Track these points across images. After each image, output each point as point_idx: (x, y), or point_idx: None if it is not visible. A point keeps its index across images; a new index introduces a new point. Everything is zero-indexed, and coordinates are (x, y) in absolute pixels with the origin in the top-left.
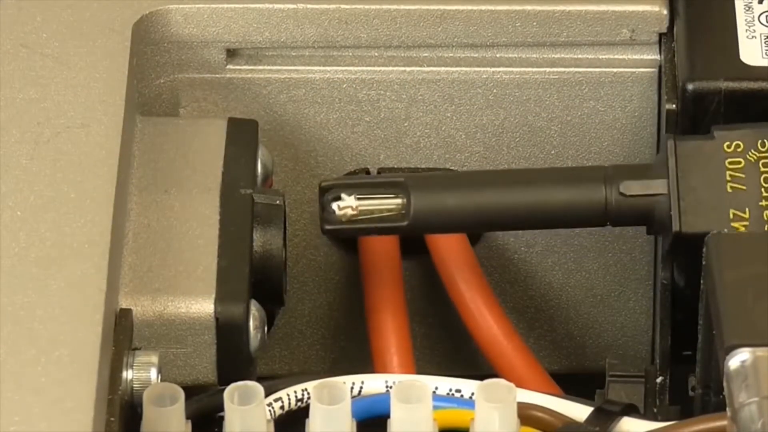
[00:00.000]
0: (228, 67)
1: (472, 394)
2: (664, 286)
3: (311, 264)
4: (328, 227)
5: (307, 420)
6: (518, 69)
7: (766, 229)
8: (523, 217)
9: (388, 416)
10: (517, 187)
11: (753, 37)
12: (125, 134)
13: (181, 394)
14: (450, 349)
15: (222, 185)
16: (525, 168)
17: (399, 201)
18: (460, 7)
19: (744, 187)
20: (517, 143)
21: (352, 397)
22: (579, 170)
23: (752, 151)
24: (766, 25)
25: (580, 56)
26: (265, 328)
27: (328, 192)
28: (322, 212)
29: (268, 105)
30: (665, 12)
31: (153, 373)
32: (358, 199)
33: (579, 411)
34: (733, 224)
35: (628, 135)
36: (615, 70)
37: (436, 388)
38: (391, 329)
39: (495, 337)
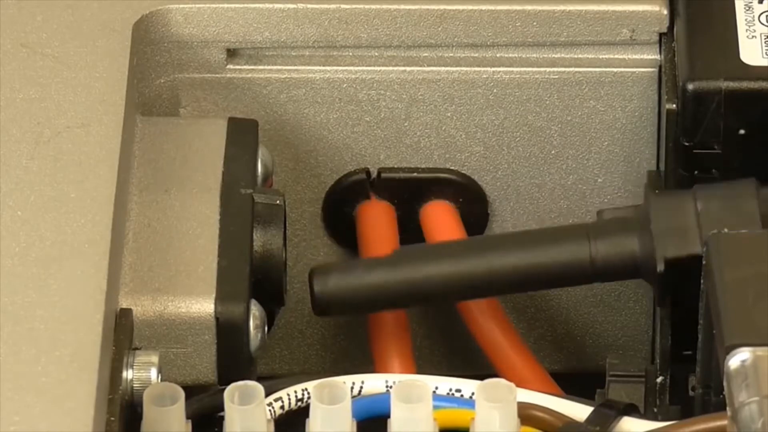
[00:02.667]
0: (228, 67)
1: (472, 393)
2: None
3: (311, 264)
4: (318, 311)
5: (307, 420)
6: (518, 69)
7: None
8: (507, 283)
9: (388, 416)
10: (501, 253)
11: (753, 37)
12: (125, 134)
13: (182, 394)
14: (450, 349)
15: (222, 185)
16: (506, 233)
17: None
18: (460, 7)
19: None
20: (517, 143)
21: (352, 397)
22: (562, 230)
23: None
24: (766, 25)
25: (580, 56)
26: (265, 328)
27: (317, 275)
28: (312, 296)
29: (268, 105)
30: (665, 12)
31: (153, 373)
32: None
33: (579, 411)
34: None
35: (628, 135)
36: (615, 70)
37: (436, 388)
38: (391, 329)
39: (495, 336)
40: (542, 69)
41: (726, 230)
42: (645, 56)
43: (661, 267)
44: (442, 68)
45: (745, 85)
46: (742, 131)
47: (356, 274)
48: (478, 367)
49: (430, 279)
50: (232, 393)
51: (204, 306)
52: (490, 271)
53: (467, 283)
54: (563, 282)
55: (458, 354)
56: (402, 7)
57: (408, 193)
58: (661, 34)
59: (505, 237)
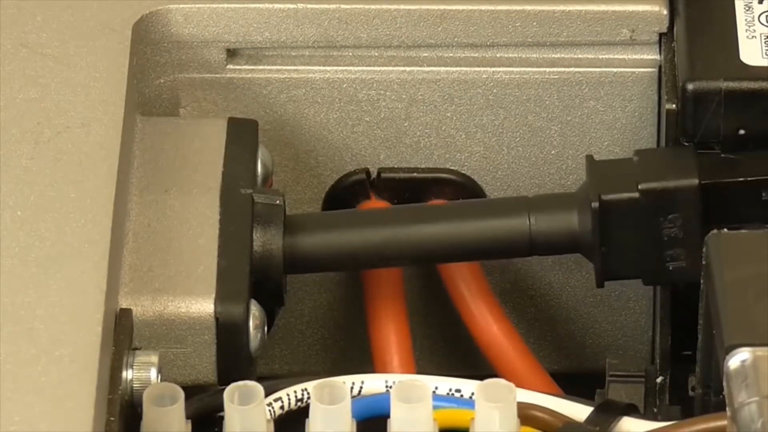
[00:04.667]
0: (228, 67)
1: (472, 394)
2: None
3: None
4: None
5: (307, 420)
6: (518, 69)
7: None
8: (447, 251)
9: (388, 416)
10: (442, 221)
11: (753, 37)
12: (125, 134)
13: (181, 394)
14: (450, 349)
15: (222, 185)
16: (456, 202)
17: None
18: (460, 7)
19: None
20: (517, 143)
21: (352, 397)
22: (502, 202)
23: None
24: (766, 25)
25: (580, 56)
26: (265, 328)
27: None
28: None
29: (268, 105)
30: (665, 12)
31: (153, 373)
32: None
33: (579, 411)
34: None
35: (628, 135)
36: (615, 70)
37: (436, 388)
38: (391, 329)
39: (495, 336)
40: (542, 69)
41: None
42: (645, 56)
43: (595, 205)
44: (442, 68)
45: (745, 85)
46: (742, 131)
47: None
48: (478, 367)
49: (372, 242)
50: (231, 393)
51: (204, 306)
52: (431, 239)
53: (409, 250)
54: (501, 254)
55: (458, 354)
56: (402, 7)
57: (408, 193)
58: (661, 34)
59: (451, 207)
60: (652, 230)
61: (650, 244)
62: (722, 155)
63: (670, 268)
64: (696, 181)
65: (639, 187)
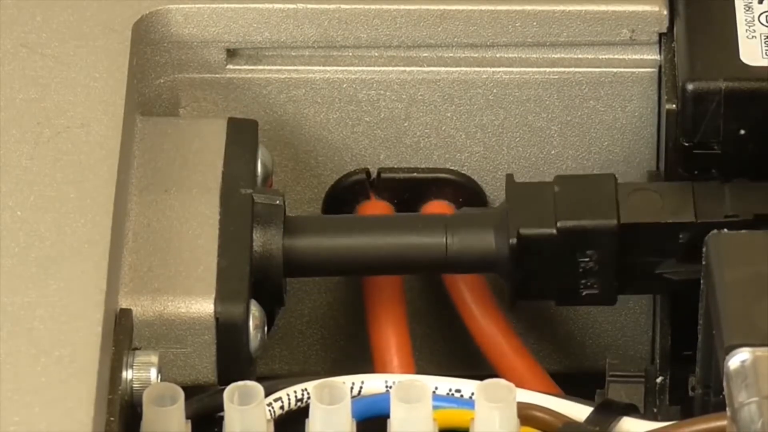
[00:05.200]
0: (228, 67)
1: (472, 394)
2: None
3: None
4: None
5: (306, 420)
6: (518, 69)
7: None
8: (371, 265)
9: (388, 416)
10: (370, 234)
11: (753, 37)
12: (125, 134)
13: (181, 394)
14: (450, 349)
15: (222, 185)
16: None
17: None
18: (460, 7)
19: None
20: (517, 143)
21: (352, 397)
22: (421, 219)
23: None
24: (766, 25)
25: (580, 56)
26: (265, 328)
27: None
28: None
29: (268, 105)
30: (665, 12)
31: (153, 373)
32: None
33: (579, 411)
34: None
35: (628, 135)
36: (615, 70)
37: (436, 388)
38: (391, 329)
39: (495, 337)
40: (542, 69)
41: (580, 220)
42: (645, 56)
43: (513, 241)
44: (442, 68)
45: (745, 85)
46: (742, 131)
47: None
48: (478, 367)
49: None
50: (231, 393)
51: (204, 306)
52: (359, 251)
53: (336, 260)
54: (419, 269)
55: (458, 354)
56: (402, 7)
57: (408, 193)
58: (660, 34)
59: (377, 219)
60: (568, 263)
61: (565, 274)
62: (643, 189)
63: (583, 294)
64: (614, 222)
65: (558, 224)
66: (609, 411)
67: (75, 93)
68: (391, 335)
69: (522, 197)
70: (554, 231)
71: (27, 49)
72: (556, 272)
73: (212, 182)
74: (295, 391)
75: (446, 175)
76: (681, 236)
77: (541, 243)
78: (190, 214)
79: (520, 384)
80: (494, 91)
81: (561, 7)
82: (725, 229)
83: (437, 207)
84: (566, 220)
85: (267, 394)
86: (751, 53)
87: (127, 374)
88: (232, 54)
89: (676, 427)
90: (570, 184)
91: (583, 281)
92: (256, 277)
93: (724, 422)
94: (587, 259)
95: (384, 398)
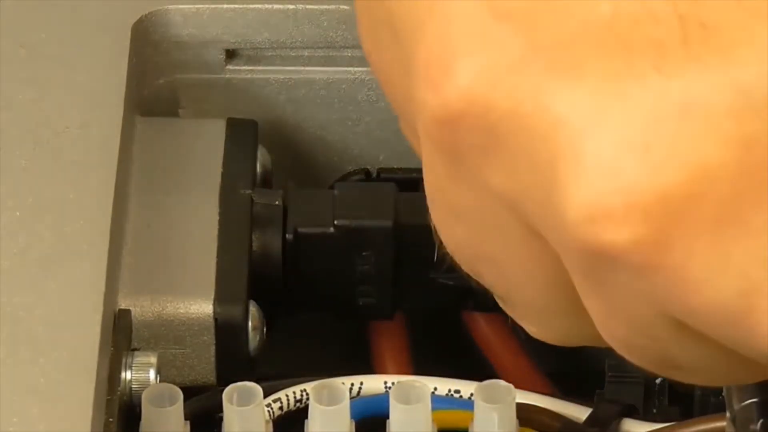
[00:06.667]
0: (228, 67)
1: (471, 394)
2: None
3: None
4: None
5: (306, 421)
6: None
7: None
8: None
9: (387, 417)
10: None
11: None
12: (125, 135)
13: (180, 394)
14: (450, 349)
15: (221, 185)
16: None
17: None
18: None
19: None
20: None
21: (351, 398)
22: None
23: None
24: None
25: None
26: (265, 329)
27: None
28: None
29: (268, 105)
30: None
31: (152, 374)
32: None
33: (579, 411)
34: None
35: None
36: None
37: (435, 389)
38: (390, 330)
39: (494, 337)
40: None
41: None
42: None
43: (290, 237)
44: None
45: None
46: None
47: None
48: (478, 367)
49: None
50: (230, 394)
51: (203, 307)
52: None
53: None
54: None
55: (458, 354)
56: None
57: None
58: None
59: None
60: (346, 265)
61: (343, 279)
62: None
63: (360, 303)
64: (390, 223)
65: (335, 222)
66: (608, 411)
67: (74, 94)
68: (390, 335)
69: (299, 202)
70: (332, 229)
71: (27, 49)
72: (333, 277)
73: (211, 182)
74: (294, 392)
75: None
76: None
77: (317, 242)
78: (189, 215)
79: (518, 385)
80: None
81: None
82: None
83: None
84: (343, 219)
85: (266, 395)
86: None
87: (126, 375)
88: (231, 54)
89: (675, 428)
90: (350, 189)
91: (360, 287)
92: (255, 278)
93: (723, 422)
94: (364, 263)
95: (383, 399)
